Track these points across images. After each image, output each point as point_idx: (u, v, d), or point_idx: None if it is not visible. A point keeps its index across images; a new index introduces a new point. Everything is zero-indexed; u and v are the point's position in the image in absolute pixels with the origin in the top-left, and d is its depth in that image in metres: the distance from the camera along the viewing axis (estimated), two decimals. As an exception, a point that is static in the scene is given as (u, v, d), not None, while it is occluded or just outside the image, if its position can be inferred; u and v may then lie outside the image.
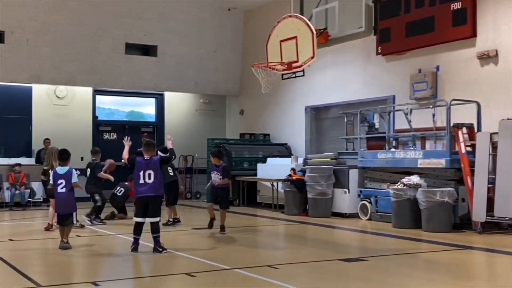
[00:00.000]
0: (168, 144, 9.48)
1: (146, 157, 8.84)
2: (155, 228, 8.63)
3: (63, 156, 9.33)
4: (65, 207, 9.09)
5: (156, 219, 8.69)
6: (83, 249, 9.25)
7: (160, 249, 8.55)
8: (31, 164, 17.11)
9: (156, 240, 8.61)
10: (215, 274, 7.35)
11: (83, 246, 9.49)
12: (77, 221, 11.50)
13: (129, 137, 9.44)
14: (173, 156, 9.49)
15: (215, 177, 10.90)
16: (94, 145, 16.33)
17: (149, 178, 8.64)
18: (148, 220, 8.65)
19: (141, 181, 8.64)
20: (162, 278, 7.28)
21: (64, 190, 9.02)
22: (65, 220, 9.05)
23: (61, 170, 9.14)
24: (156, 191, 8.70)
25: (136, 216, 8.74)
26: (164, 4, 19.11)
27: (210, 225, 11.22)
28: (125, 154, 9.04)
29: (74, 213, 9.51)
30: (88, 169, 12.58)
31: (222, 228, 10.86)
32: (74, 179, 9.13)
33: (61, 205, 9.08)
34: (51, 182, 9.39)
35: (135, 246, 8.62)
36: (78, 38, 17.93)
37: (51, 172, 9.60)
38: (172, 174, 12.15)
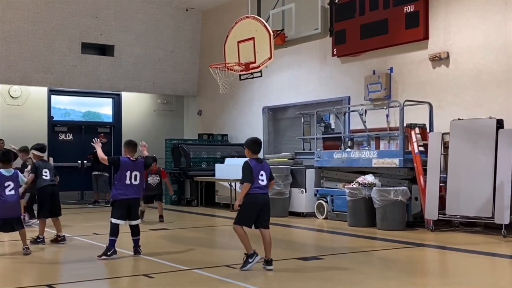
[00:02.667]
0: (144, 153, 9.16)
1: (132, 157, 8.63)
2: (137, 231, 8.60)
3: (7, 157, 9.00)
4: (16, 210, 8.86)
5: (138, 221, 8.65)
6: (38, 252, 9.12)
7: (140, 251, 8.58)
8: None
9: (138, 242, 8.59)
10: (174, 275, 7.38)
11: (38, 250, 9.37)
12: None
13: (99, 138, 9.29)
14: (154, 162, 9.47)
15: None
16: (49, 146, 16.07)
17: (135, 180, 8.48)
18: (132, 222, 8.55)
19: (127, 181, 8.41)
20: (120, 280, 7.28)
21: (13, 192, 8.77)
22: (15, 224, 8.79)
23: (7, 172, 8.83)
24: (139, 193, 8.66)
25: (117, 218, 8.44)
26: (120, 3, 18.96)
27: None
28: (102, 154, 8.69)
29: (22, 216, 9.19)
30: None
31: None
32: (22, 180, 8.98)
33: (14, 208, 8.80)
34: None
35: (114, 250, 8.34)
36: (33, 37, 17.64)
37: None
38: None
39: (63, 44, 18.17)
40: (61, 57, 18.17)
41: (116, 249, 8.42)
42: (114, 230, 8.43)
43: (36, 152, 10.02)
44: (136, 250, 8.59)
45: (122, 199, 8.49)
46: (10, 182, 8.78)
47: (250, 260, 7.41)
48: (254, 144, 7.69)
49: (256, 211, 7.47)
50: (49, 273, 7.75)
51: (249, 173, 7.42)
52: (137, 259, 8.35)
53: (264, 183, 7.51)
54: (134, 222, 8.59)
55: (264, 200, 7.52)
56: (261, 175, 7.49)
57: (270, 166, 14.04)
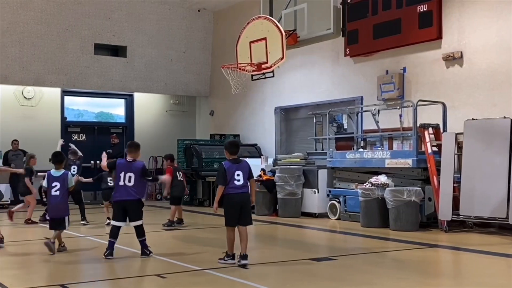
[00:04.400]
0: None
1: (129, 158, 8.61)
2: (139, 232, 8.48)
3: (58, 158, 9.16)
4: (60, 210, 8.93)
5: (139, 223, 8.49)
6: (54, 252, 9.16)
7: (148, 252, 8.44)
8: (-4, 166, 16.85)
9: (143, 243, 8.48)
10: (186, 275, 7.38)
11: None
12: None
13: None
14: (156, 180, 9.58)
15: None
16: (63, 147, 16.14)
17: (129, 181, 8.39)
18: (131, 224, 8.50)
19: (121, 183, 8.39)
20: (133, 280, 7.29)
21: (58, 193, 8.86)
22: (58, 225, 8.91)
23: (55, 172, 8.98)
24: (133, 195, 8.42)
25: (114, 219, 8.50)
26: (133, 4, 19.04)
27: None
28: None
29: (67, 218, 9.10)
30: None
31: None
32: (70, 182, 9.01)
33: (58, 209, 8.92)
34: (44, 184, 9.10)
35: (110, 251, 8.33)
36: (46, 38, 17.75)
37: None
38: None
39: (76, 45, 18.26)
40: (74, 58, 18.26)
41: (129, 249, 8.44)
42: (112, 232, 8.46)
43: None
44: (143, 251, 8.47)
45: (116, 201, 8.55)
46: (56, 183, 8.87)
47: (226, 259, 7.83)
48: (231, 146, 8.05)
49: (236, 210, 7.77)
50: (62, 273, 7.77)
51: (222, 176, 7.76)
52: (149, 260, 8.34)
53: (241, 182, 7.77)
54: (132, 224, 8.50)
55: (242, 199, 7.80)
56: (237, 175, 7.76)
57: (282, 167, 14.14)
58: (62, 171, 9.02)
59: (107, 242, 8.46)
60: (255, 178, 14.38)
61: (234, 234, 7.82)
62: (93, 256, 8.80)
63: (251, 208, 8.09)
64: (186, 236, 11.06)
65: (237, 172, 7.78)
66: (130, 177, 8.39)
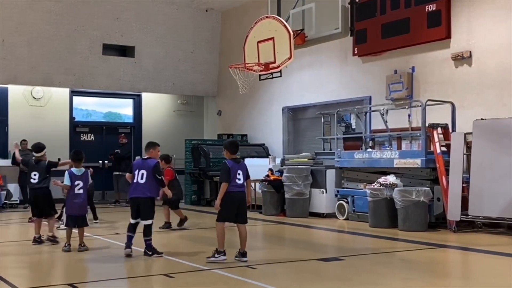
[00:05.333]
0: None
1: (145, 156, 8.78)
2: (145, 231, 8.45)
3: (79, 156, 9.29)
4: (82, 208, 9.11)
5: (148, 222, 8.48)
6: (59, 252, 9.18)
7: (150, 253, 8.38)
8: (7, 166, 16.92)
9: (147, 243, 8.45)
10: (193, 275, 7.37)
11: (58, 250, 9.43)
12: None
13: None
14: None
15: None
16: (71, 147, 16.26)
17: (142, 178, 8.47)
18: (143, 222, 8.52)
19: (135, 180, 8.48)
20: (140, 279, 7.29)
21: (81, 191, 9.00)
22: (81, 222, 9.05)
23: (78, 171, 9.09)
24: (144, 193, 8.47)
25: (131, 216, 8.61)
26: (141, 4, 19.06)
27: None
28: (128, 176, 8.80)
29: (86, 215, 9.31)
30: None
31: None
32: (90, 180, 9.22)
33: (79, 207, 9.06)
34: (65, 183, 9.11)
35: (128, 244, 8.43)
36: (54, 39, 17.80)
37: None
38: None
39: (85, 46, 18.31)
40: (82, 59, 18.31)
41: (137, 249, 8.47)
42: (129, 227, 8.58)
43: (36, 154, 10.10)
44: (145, 251, 8.45)
45: (130, 197, 8.67)
46: (79, 181, 9.03)
47: (216, 256, 7.87)
48: (232, 145, 8.23)
49: (235, 208, 7.94)
50: (71, 272, 7.79)
51: (227, 173, 7.88)
52: (157, 259, 8.34)
53: (241, 181, 7.97)
54: (143, 222, 8.53)
55: (241, 197, 8.00)
56: (238, 174, 7.96)
57: (290, 167, 14.14)
58: (83, 169, 9.19)
59: (114, 242, 8.51)
60: (263, 178, 14.57)
61: (224, 230, 7.96)
62: (101, 255, 8.81)
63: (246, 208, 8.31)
64: (193, 236, 11.06)
65: (239, 171, 7.98)
66: (142, 174, 8.48)
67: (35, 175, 9.80)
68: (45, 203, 9.84)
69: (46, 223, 9.93)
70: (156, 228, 10.47)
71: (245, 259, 7.88)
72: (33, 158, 10.06)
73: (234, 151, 8.18)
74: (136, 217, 8.53)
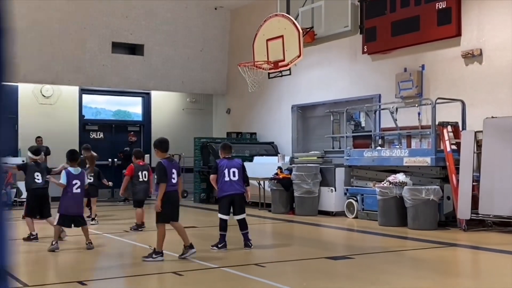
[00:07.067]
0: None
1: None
2: (241, 226, 8.96)
3: (75, 156, 9.36)
4: (80, 207, 9.17)
5: (242, 216, 8.95)
6: (71, 249, 9.21)
7: (250, 245, 8.85)
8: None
9: (245, 236, 8.90)
10: (202, 273, 7.37)
11: (70, 246, 9.46)
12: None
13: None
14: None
15: None
16: (80, 144, 16.27)
17: (234, 176, 8.89)
18: (235, 217, 8.99)
19: (226, 178, 8.83)
20: (149, 278, 7.29)
21: (79, 190, 9.05)
22: (79, 222, 9.07)
23: (75, 170, 9.14)
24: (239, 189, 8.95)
25: (223, 213, 8.96)
26: (150, 3, 19.09)
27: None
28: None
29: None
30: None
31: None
32: (87, 180, 9.27)
33: (78, 206, 9.11)
34: (62, 181, 9.04)
35: (224, 244, 8.75)
36: (64, 37, 17.86)
37: None
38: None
39: (94, 44, 18.36)
40: (92, 57, 18.36)
41: (146, 246, 8.49)
42: (224, 225, 8.99)
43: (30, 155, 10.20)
44: (245, 243, 8.94)
45: (226, 195, 8.99)
46: (77, 181, 9.06)
47: (154, 256, 7.87)
48: (162, 144, 8.16)
49: (174, 207, 8.07)
50: (79, 270, 7.81)
51: (163, 174, 7.88)
52: (165, 256, 8.33)
53: (175, 180, 8.08)
54: (237, 217, 9.03)
55: (177, 196, 8.17)
56: (173, 173, 8.04)
57: (299, 165, 14.10)
58: (79, 169, 9.23)
59: (123, 240, 8.55)
60: (272, 176, 14.55)
61: (165, 232, 7.99)
62: (109, 253, 8.82)
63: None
64: (202, 234, 11.05)
65: (173, 170, 8.09)
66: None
67: (37, 175, 9.88)
68: (47, 203, 10.01)
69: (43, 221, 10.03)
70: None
71: (193, 250, 8.01)
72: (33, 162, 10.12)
73: (166, 148, 8.19)
74: (228, 213, 8.89)
